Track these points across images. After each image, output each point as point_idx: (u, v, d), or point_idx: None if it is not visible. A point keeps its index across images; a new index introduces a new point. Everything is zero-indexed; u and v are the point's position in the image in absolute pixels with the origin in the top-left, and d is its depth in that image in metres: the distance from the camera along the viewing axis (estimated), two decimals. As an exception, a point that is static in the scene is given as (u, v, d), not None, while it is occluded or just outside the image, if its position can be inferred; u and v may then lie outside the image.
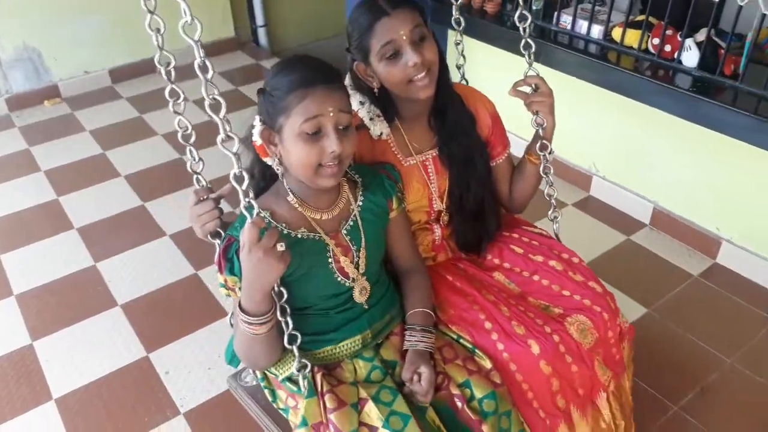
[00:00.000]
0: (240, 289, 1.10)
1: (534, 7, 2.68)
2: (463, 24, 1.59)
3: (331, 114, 1.07)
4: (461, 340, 1.30)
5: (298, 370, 1.16)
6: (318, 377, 1.18)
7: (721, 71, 2.10)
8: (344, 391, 1.17)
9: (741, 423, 1.82)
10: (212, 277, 2.33)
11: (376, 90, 1.32)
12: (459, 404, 1.18)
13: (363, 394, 1.16)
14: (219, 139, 1.01)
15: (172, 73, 1.12)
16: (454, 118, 1.40)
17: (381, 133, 1.35)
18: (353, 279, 1.22)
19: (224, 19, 4.22)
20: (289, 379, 1.22)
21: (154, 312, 2.21)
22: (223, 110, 1.00)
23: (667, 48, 2.24)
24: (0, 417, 1.86)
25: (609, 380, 1.35)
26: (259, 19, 4.35)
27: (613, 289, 2.23)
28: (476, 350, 1.27)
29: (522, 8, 1.40)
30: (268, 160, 1.16)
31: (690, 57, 2.18)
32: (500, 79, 3.03)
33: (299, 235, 1.17)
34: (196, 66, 0.99)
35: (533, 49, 1.42)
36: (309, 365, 1.17)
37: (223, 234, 1.18)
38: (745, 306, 2.20)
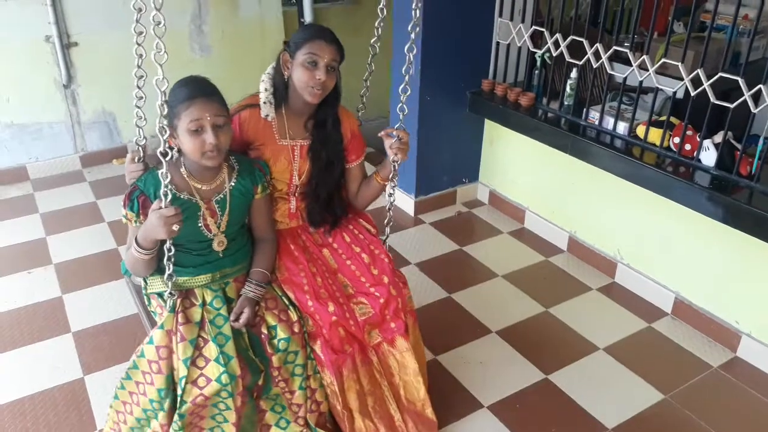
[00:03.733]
0: (135, 222, 1.64)
1: (566, 103, 2.91)
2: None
3: (209, 118, 1.56)
4: (283, 297, 1.84)
5: (169, 296, 1.69)
6: (178, 301, 1.70)
7: (737, 171, 2.25)
8: (192, 312, 1.72)
9: None
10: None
11: (286, 77, 1.80)
12: (263, 339, 1.75)
13: (205, 315, 1.72)
14: (158, 128, 1.47)
15: (140, 60, 1.63)
16: (330, 132, 1.90)
17: (267, 115, 1.83)
18: (214, 234, 1.73)
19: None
20: (160, 295, 1.78)
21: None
22: (165, 109, 1.46)
23: (687, 147, 2.41)
24: (48, 442, 2.03)
25: (379, 342, 1.89)
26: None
27: (632, 374, 2.33)
28: (290, 307, 1.82)
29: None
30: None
31: (708, 156, 2.34)
32: (532, 167, 3.25)
33: (182, 196, 1.67)
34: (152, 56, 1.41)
35: (406, 112, 1.91)
36: (176, 294, 1.70)
37: None
38: (763, 401, 2.24)
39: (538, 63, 3.02)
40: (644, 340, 2.54)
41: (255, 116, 1.84)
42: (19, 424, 2.09)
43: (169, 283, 1.67)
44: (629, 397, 2.22)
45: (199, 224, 1.70)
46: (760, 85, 2.12)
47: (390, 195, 2.02)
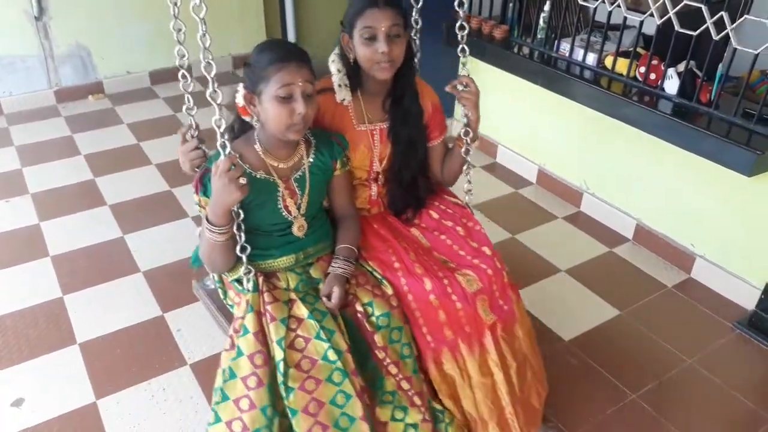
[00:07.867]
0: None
1: (539, 36, 2.94)
2: (467, 52, 1.77)
3: (300, 84, 1.39)
4: (374, 273, 1.65)
5: (245, 274, 1.49)
6: (260, 280, 1.51)
7: (697, 99, 2.32)
8: (278, 293, 1.52)
9: (694, 415, 1.98)
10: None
11: (351, 60, 1.62)
12: (360, 318, 1.54)
13: (293, 296, 1.51)
14: (208, 93, 1.28)
15: (183, 36, 1.45)
16: (408, 108, 1.71)
17: (344, 99, 1.66)
18: (294, 216, 1.56)
19: (258, 33, 4.55)
20: (238, 280, 1.56)
21: (172, 279, 2.46)
22: (214, 70, 1.30)
23: (652, 76, 2.47)
24: (30, 354, 2.11)
25: (494, 323, 1.64)
26: (291, 36, 4.69)
27: (590, 292, 2.44)
28: (383, 281, 1.62)
29: (461, 19, 1.68)
30: (247, 118, 1.47)
31: (671, 85, 2.40)
32: (505, 101, 3.30)
33: (258, 175, 1.50)
34: (198, 38, 1.26)
35: (467, 53, 1.72)
36: (253, 270, 1.50)
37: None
38: (711, 316, 2.38)
39: (513, -5, 3.03)
40: (605, 263, 2.66)
41: (330, 101, 1.65)
42: (1, 339, 2.17)
43: (243, 257, 1.46)
44: (587, 313, 2.35)
45: (279, 206, 1.53)
46: (722, 12, 2.16)
47: (466, 155, 1.77)
